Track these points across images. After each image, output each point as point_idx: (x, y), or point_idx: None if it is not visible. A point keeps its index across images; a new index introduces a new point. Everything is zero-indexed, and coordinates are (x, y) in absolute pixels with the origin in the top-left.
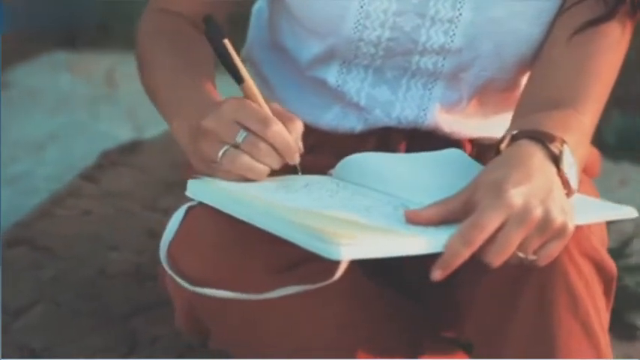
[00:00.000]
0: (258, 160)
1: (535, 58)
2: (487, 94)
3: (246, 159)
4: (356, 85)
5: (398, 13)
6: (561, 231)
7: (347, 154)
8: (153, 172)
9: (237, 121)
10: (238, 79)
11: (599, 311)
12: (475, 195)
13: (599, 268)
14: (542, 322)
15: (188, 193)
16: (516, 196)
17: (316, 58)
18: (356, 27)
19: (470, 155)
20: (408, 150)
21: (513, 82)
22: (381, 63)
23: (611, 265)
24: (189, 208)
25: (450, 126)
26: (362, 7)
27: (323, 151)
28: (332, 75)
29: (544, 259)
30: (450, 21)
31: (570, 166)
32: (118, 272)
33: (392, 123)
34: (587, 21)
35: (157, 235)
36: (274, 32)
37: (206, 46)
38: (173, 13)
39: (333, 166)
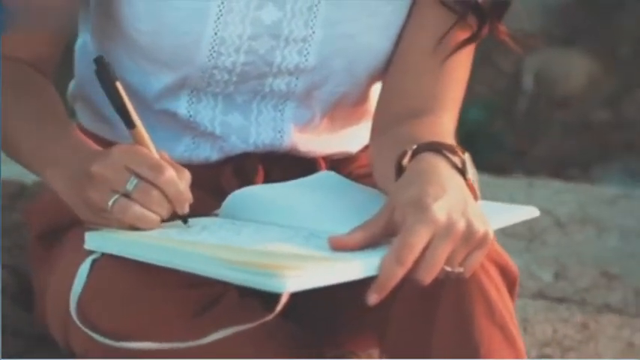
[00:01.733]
0: (149, 209)
1: (386, 70)
2: (338, 109)
3: (137, 209)
4: (208, 114)
5: (253, 37)
6: (483, 240)
7: (204, 184)
8: None
9: (128, 167)
10: (129, 123)
11: (511, 313)
12: (395, 215)
13: (503, 271)
14: (463, 331)
15: (88, 246)
16: (439, 211)
17: (165, 90)
18: (210, 54)
19: None
20: (267, 173)
21: (363, 96)
22: (233, 89)
23: (513, 267)
24: (94, 261)
25: (305, 145)
26: (216, 33)
27: None
28: (182, 106)
29: (469, 269)
30: (304, 40)
31: (473, 174)
32: None
33: (249, 148)
34: (458, 44)
35: None
36: None
37: (54, 91)
38: (11, 58)
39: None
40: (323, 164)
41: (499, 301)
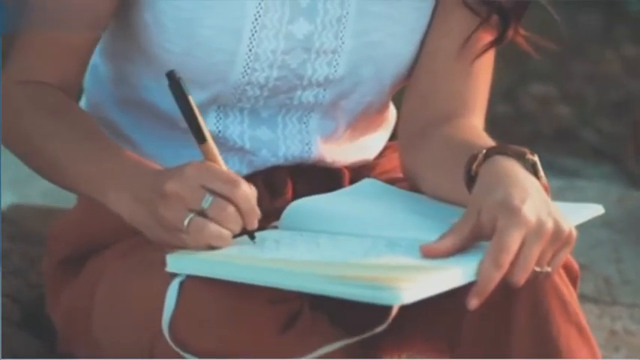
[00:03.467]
0: (224, 227)
1: (409, 76)
2: (361, 118)
3: (213, 227)
4: (237, 129)
5: (286, 51)
6: (569, 238)
7: None
8: None
9: (202, 184)
10: (200, 138)
11: (581, 311)
12: (482, 218)
13: (567, 269)
14: (541, 331)
15: (170, 268)
16: (528, 212)
17: None
18: (244, 71)
19: (349, 181)
20: (295, 185)
21: (384, 104)
22: (262, 104)
23: (574, 264)
24: (181, 283)
25: (331, 155)
26: (250, 50)
27: None
28: (210, 122)
29: (556, 268)
30: (334, 51)
31: (544, 175)
32: None
33: (279, 162)
34: (484, 46)
35: None
36: (129, 89)
37: (87, 112)
38: (37, 83)
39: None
40: (347, 173)
41: (570, 298)
